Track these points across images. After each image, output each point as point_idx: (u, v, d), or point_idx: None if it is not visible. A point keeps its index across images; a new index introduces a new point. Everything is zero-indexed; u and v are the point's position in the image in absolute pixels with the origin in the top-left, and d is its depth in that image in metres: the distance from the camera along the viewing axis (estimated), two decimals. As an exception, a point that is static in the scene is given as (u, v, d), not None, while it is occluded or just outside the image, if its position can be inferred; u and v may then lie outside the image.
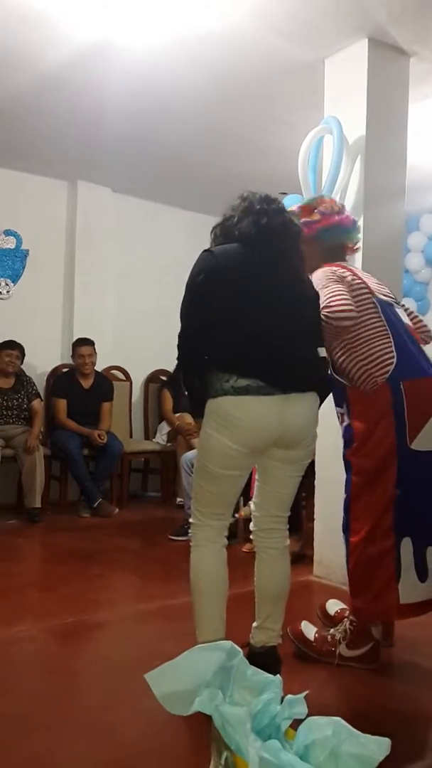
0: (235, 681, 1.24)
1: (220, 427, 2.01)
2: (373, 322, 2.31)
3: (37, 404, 5.09)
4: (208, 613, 2.07)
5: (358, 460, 2.34)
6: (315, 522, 3.57)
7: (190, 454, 4.57)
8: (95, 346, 5.29)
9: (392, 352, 2.26)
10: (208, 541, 2.11)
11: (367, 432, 2.30)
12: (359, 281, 2.38)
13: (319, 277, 2.35)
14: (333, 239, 2.52)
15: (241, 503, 4.22)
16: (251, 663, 2.01)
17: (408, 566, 2.26)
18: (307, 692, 1.19)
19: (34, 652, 2.53)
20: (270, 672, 1.98)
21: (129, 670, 2.33)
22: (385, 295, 2.43)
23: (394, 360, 2.25)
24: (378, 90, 3.38)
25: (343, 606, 2.64)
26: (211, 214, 6.29)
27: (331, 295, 2.25)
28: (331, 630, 2.45)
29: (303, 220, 2.48)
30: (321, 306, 2.22)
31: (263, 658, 2.09)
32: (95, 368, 5.35)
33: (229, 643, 1.27)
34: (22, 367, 5.10)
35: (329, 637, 2.41)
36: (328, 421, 3.51)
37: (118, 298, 5.91)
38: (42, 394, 5.31)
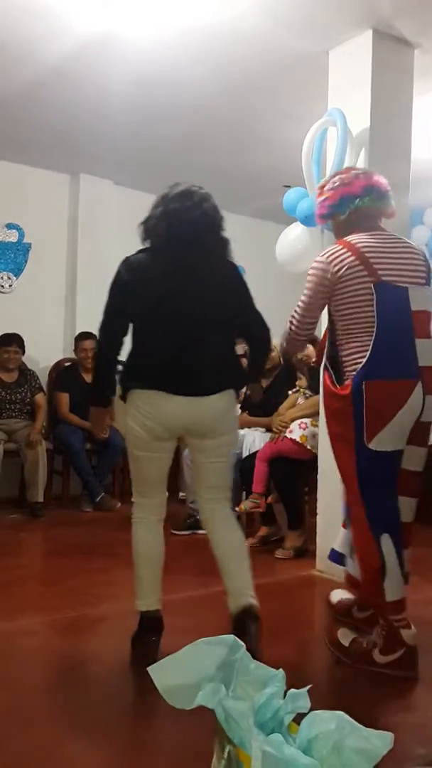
0: (238, 675, 1.23)
1: (133, 416, 2.31)
2: (358, 318, 2.30)
3: (41, 398, 5.09)
4: (144, 580, 2.36)
5: (338, 453, 2.41)
6: (317, 517, 3.56)
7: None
8: (98, 341, 5.28)
9: (365, 351, 2.26)
10: (143, 517, 2.42)
11: (333, 429, 2.41)
12: (357, 266, 2.28)
13: (310, 270, 2.42)
14: (342, 212, 2.44)
15: (243, 497, 4.21)
16: (234, 629, 2.19)
17: (391, 562, 2.25)
18: (310, 686, 1.18)
19: (36, 646, 2.53)
20: (251, 630, 2.20)
21: (131, 664, 2.33)
22: (397, 274, 2.31)
23: (364, 360, 2.25)
24: (382, 82, 3.35)
25: (347, 596, 2.63)
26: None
27: (292, 315, 2.53)
28: (367, 638, 2.39)
29: (318, 199, 2.53)
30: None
31: (243, 620, 2.25)
32: (98, 362, 5.34)
33: (231, 638, 1.26)
34: (24, 361, 5.10)
35: (364, 643, 2.36)
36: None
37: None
38: (45, 388, 5.31)
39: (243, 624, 2.24)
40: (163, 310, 2.29)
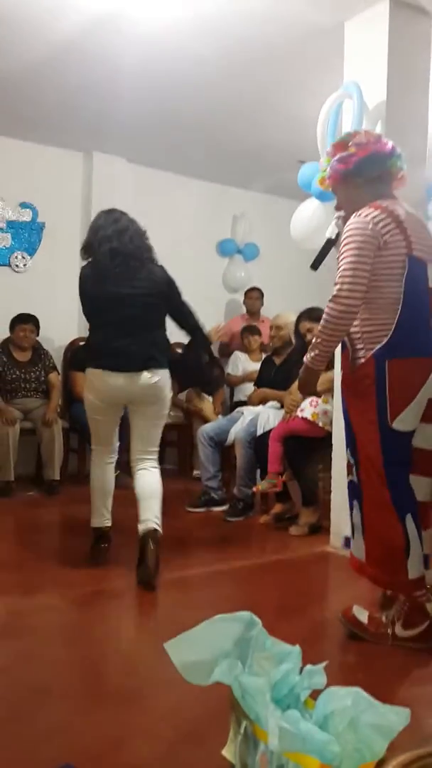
0: (254, 651, 1.25)
1: (88, 388, 3.11)
2: (385, 290, 2.23)
3: (54, 377, 5.11)
4: (96, 505, 3.22)
5: (359, 432, 2.34)
6: (332, 494, 3.56)
7: (207, 427, 4.58)
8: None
9: (389, 327, 2.21)
10: (97, 461, 3.23)
11: (356, 407, 2.33)
12: (398, 234, 2.20)
13: (349, 232, 2.24)
14: (373, 170, 2.33)
15: (258, 476, 4.23)
16: (139, 548, 2.91)
17: (415, 541, 2.25)
18: (326, 663, 1.19)
19: (55, 621, 2.57)
20: (149, 547, 2.89)
21: (148, 639, 2.36)
22: (425, 252, 2.26)
23: (386, 338, 2.21)
24: (399, 53, 3.28)
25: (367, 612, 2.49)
26: (229, 184, 6.28)
27: (340, 282, 2.22)
28: (386, 613, 2.40)
29: (338, 155, 2.36)
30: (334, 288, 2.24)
31: (145, 539, 2.92)
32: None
33: (248, 614, 1.27)
34: (39, 340, 5.12)
35: (383, 617, 2.37)
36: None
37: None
38: (59, 367, 5.32)
39: (145, 543, 2.91)
40: (103, 311, 3.04)
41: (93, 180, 5.61)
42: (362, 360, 2.26)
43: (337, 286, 2.23)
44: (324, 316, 2.27)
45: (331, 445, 3.61)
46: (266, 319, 6.02)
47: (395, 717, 1.01)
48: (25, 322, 4.98)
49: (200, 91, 4.36)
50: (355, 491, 2.42)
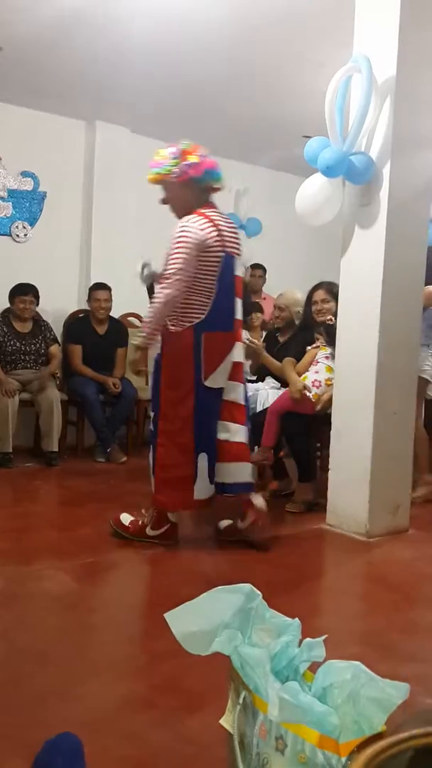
0: (254, 623, 1.25)
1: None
2: (205, 281, 2.88)
3: (55, 349, 5.10)
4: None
5: (165, 388, 2.93)
6: (330, 472, 3.58)
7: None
8: (112, 293, 5.25)
9: (204, 308, 2.88)
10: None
11: (173, 367, 2.91)
12: (217, 237, 2.86)
13: (182, 233, 2.83)
14: (209, 181, 2.94)
15: (255, 450, 4.23)
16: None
17: (203, 474, 2.97)
18: (326, 636, 1.20)
19: (52, 590, 2.59)
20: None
21: (145, 609, 2.39)
22: (233, 246, 2.94)
23: (203, 316, 2.88)
24: (411, 27, 3.22)
25: (132, 518, 3.13)
26: (235, 158, 6.20)
27: (171, 273, 2.83)
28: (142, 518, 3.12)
29: (185, 162, 2.87)
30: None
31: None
32: (111, 314, 5.32)
33: (248, 586, 1.27)
34: (39, 312, 5.09)
35: (140, 521, 3.09)
36: (346, 376, 3.50)
37: (137, 244, 5.83)
38: (59, 339, 5.31)
39: None
40: None
41: (96, 150, 5.54)
42: (183, 331, 2.86)
43: (168, 278, 2.83)
44: (156, 295, 2.90)
45: (328, 423, 3.61)
46: (268, 296, 5.98)
47: (394, 691, 1.02)
48: (24, 293, 4.94)
49: (207, 61, 4.29)
50: (150, 438, 3.08)
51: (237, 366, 3.04)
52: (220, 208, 6.76)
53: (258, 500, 3.08)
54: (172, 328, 2.90)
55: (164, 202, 3.03)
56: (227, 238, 2.92)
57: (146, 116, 5.37)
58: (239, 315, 3.04)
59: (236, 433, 3.04)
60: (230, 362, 2.98)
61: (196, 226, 2.83)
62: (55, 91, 4.95)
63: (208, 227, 2.85)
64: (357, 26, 3.39)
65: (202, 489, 3.00)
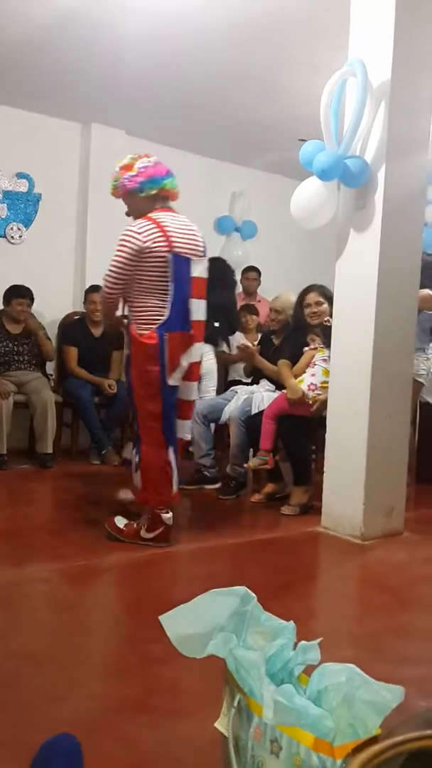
0: (249, 626, 1.25)
1: None
2: (157, 283, 2.98)
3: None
4: None
5: (137, 387, 3.06)
6: (324, 475, 3.58)
7: (200, 406, 4.58)
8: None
9: (163, 309, 2.98)
10: None
11: (141, 367, 3.03)
12: (161, 238, 2.94)
13: (122, 237, 2.97)
14: (151, 189, 3.07)
15: (250, 455, 4.24)
16: None
17: (174, 467, 3.12)
18: (320, 639, 1.20)
19: (46, 593, 2.58)
20: None
21: (140, 612, 2.38)
22: (186, 248, 3.01)
23: (163, 318, 2.98)
24: (406, 31, 3.23)
25: (126, 521, 3.20)
26: (230, 161, 6.22)
27: (108, 274, 3.01)
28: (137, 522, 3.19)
29: (123, 176, 3.07)
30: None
31: None
32: (107, 316, 5.32)
33: (243, 589, 1.27)
34: (33, 313, 5.09)
35: (135, 525, 3.17)
36: (341, 379, 3.51)
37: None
38: (54, 341, 5.30)
39: None
40: None
41: (91, 152, 5.54)
42: (148, 333, 2.98)
43: (106, 277, 3.02)
44: (101, 292, 3.13)
45: (323, 425, 3.61)
46: (263, 299, 5.99)
47: (389, 694, 1.02)
48: (22, 296, 4.94)
49: (203, 64, 4.30)
50: (134, 437, 3.21)
51: (193, 366, 3.14)
52: (217, 210, 6.77)
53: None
54: (138, 331, 3.02)
55: (127, 213, 3.23)
56: (176, 240, 2.98)
57: (142, 119, 5.37)
58: (198, 316, 3.09)
59: (183, 429, 3.26)
60: (187, 362, 3.08)
61: (134, 231, 2.96)
62: (50, 93, 4.94)
63: (150, 231, 2.95)
64: (352, 30, 3.40)
65: (175, 482, 3.17)
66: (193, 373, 3.17)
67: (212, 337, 4.91)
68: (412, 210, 3.42)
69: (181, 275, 2.99)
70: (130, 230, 2.97)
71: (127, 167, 3.10)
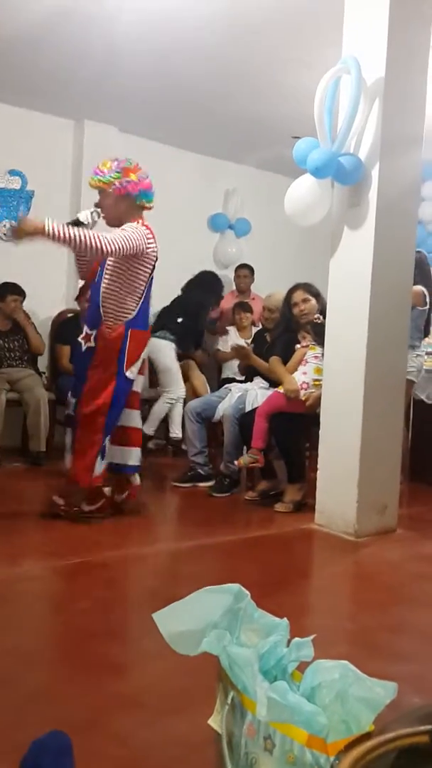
0: (242, 623, 1.25)
1: None
2: (137, 284, 3.31)
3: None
4: None
5: (92, 371, 3.29)
6: (318, 472, 3.58)
7: (194, 403, 4.58)
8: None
9: (135, 308, 3.32)
10: None
11: (103, 354, 3.29)
12: (155, 247, 3.30)
13: (134, 230, 3.20)
14: (143, 200, 3.33)
15: (244, 453, 4.23)
16: None
17: (102, 454, 3.37)
18: (314, 636, 1.20)
19: (39, 590, 2.58)
20: None
21: (133, 609, 2.37)
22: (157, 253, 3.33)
23: (132, 315, 3.32)
24: (400, 28, 3.23)
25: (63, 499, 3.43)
26: (223, 158, 6.21)
27: (117, 237, 3.17)
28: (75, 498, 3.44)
29: (126, 179, 3.26)
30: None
31: None
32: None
33: (237, 586, 1.27)
34: (26, 311, 5.08)
35: (73, 500, 3.42)
36: (335, 377, 3.51)
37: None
38: (46, 339, 5.28)
39: None
40: None
41: (84, 148, 5.52)
42: (117, 327, 3.28)
43: (113, 239, 3.11)
44: (97, 236, 3.09)
45: (317, 423, 3.62)
46: (257, 296, 5.99)
47: (382, 690, 1.02)
48: (17, 293, 4.93)
49: (197, 60, 4.29)
50: (70, 422, 3.47)
51: (145, 361, 3.59)
52: (210, 207, 6.86)
53: (136, 479, 3.62)
54: (109, 327, 3.30)
55: (97, 205, 3.39)
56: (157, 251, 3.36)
57: (135, 115, 5.36)
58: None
59: (135, 419, 3.54)
60: (144, 358, 3.48)
61: (143, 233, 3.24)
62: (43, 90, 4.92)
63: (151, 239, 3.29)
64: (346, 27, 3.40)
65: (98, 467, 3.39)
66: (144, 367, 3.58)
67: (176, 332, 5.20)
68: (406, 207, 3.42)
69: (152, 281, 3.39)
70: (140, 230, 3.24)
71: (131, 171, 3.30)
